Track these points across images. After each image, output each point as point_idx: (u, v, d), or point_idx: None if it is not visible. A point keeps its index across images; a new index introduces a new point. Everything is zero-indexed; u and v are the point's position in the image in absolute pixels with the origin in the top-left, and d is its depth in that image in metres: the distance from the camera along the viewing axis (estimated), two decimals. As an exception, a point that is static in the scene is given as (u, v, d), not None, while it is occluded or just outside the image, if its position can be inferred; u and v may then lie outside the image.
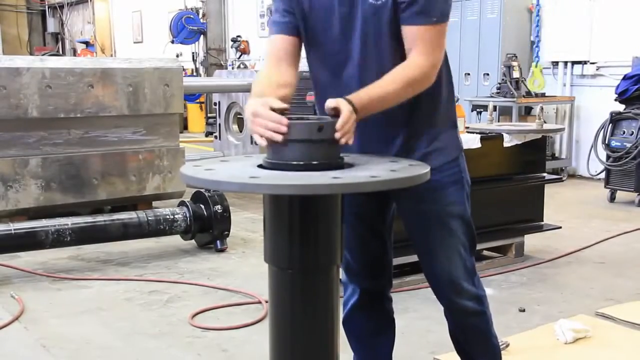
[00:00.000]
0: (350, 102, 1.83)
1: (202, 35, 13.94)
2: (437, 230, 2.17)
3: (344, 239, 2.19)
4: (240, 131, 7.65)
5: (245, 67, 12.74)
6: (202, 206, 4.97)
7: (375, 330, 2.44)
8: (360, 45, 2.03)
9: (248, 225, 5.85)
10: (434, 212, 2.15)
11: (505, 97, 7.97)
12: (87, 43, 18.31)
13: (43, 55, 9.65)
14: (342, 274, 2.34)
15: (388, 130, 2.11)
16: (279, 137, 1.73)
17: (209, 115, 12.99)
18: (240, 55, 13.41)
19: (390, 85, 1.94)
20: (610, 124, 6.88)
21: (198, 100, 13.57)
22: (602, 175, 7.09)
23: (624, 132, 6.77)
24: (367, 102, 1.88)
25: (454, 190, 2.16)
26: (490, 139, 4.46)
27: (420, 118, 2.10)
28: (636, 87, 6.70)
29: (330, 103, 1.83)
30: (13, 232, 4.39)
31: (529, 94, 8.05)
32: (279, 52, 2.10)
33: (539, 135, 4.71)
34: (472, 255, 2.25)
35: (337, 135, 1.76)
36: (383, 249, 2.33)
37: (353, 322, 2.42)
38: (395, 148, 2.11)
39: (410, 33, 1.97)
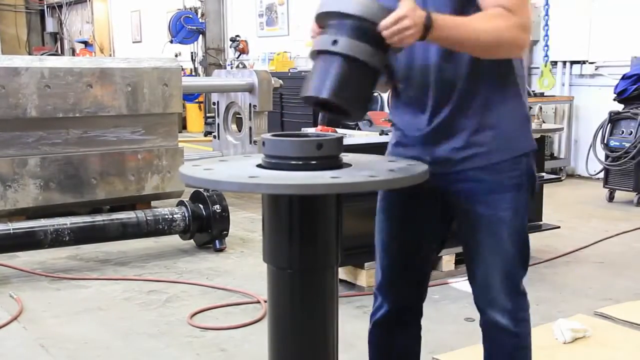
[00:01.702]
0: (427, 14, 1.71)
1: (200, 35, 13.94)
2: (484, 235, 2.00)
3: (382, 244, 2.13)
4: (239, 131, 7.64)
5: (244, 66, 12.73)
6: (201, 206, 4.97)
7: (398, 350, 2.24)
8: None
9: (247, 225, 5.85)
10: (484, 216, 1.98)
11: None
12: (85, 43, 18.29)
13: (42, 55, 9.63)
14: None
15: (456, 121, 1.95)
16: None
17: (207, 115, 12.98)
18: (239, 55, 13.40)
19: (477, 23, 1.77)
20: (609, 124, 6.88)
21: (197, 100, 13.56)
22: (601, 175, 7.10)
23: (622, 132, 6.77)
24: (450, 22, 1.74)
25: (511, 196, 1.98)
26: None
27: (488, 108, 1.94)
28: (635, 86, 6.70)
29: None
30: (12, 231, 4.39)
31: (527, 93, 8.03)
32: None
33: (538, 135, 4.71)
34: (522, 270, 2.09)
35: (383, 31, 1.68)
36: (427, 262, 2.18)
37: (376, 339, 2.24)
38: (459, 141, 1.96)
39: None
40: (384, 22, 1.69)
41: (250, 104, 7.17)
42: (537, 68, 8.74)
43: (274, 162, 1.79)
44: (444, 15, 1.76)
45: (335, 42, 1.73)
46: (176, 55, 12.89)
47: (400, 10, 1.68)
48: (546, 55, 8.14)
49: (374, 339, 2.25)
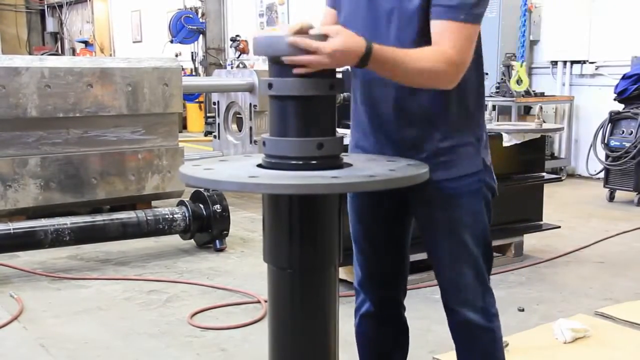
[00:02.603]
0: (367, 41, 1.73)
1: (201, 35, 13.94)
2: (447, 239, 2.07)
3: (358, 244, 2.20)
4: (240, 131, 7.64)
5: (245, 66, 12.73)
6: (201, 206, 4.97)
7: (385, 340, 2.34)
8: (385, 29, 1.95)
9: (247, 224, 5.85)
10: (446, 220, 2.06)
11: (504, 96, 7.97)
12: (86, 42, 18.29)
13: (42, 54, 9.64)
14: (354, 281, 2.31)
15: (408, 132, 2.02)
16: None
17: (208, 114, 12.99)
18: (240, 55, 13.40)
19: (413, 58, 1.81)
20: (610, 124, 6.88)
21: (197, 100, 13.57)
22: (601, 174, 7.10)
23: (623, 132, 6.77)
24: (388, 54, 1.77)
25: (471, 201, 2.07)
26: (489, 138, 4.44)
27: (446, 124, 2.01)
28: (635, 86, 6.70)
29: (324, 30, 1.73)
30: (12, 231, 4.39)
31: (528, 93, 8.04)
32: (331, 23, 2.11)
33: (538, 135, 4.71)
34: (488, 267, 2.15)
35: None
36: (399, 256, 2.25)
37: (362, 331, 2.34)
38: (412, 153, 2.01)
39: (440, 28, 1.86)
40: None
41: (250, 104, 7.17)
42: (538, 68, 8.76)
43: (274, 162, 1.79)
44: (384, 47, 1.78)
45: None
46: (176, 55, 12.89)
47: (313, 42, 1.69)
48: (522, 56, 8.06)
49: (360, 331, 2.35)
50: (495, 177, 2.20)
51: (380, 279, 2.26)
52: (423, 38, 1.89)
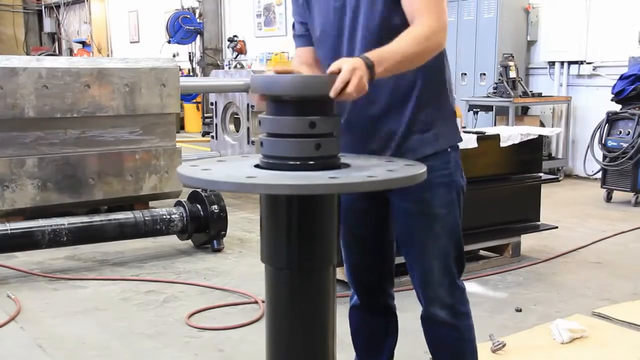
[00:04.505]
0: (363, 57, 1.81)
1: (198, 35, 13.93)
2: (420, 231, 2.13)
3: (342, 239, 2.22)
4: (237, 131, 7.64)
5: (242, 67, 12.74)
6: (199, 206, 4.96)
7: (375, 329, 2.42)
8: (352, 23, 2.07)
9: (245, 225, 5.85)
10: (419, 212, 2.11)
11: (501, 97, 7.98)
12: (83, 43, 18.29)
13: (39, 55, 9.63)
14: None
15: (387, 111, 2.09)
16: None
17: (205, 115, 12.98)
18: (237, 55, 13.41)
19: (402, 42, 1.90)
20: (607, 124, 6.88)
21: (195, 100, 13.55)
22: (599, 175, 7.10)
23: (620, 132, 6.78)
24: (386, 55, 1.86)
25: (442, 193, 2.11)
26: (487, 139, 4.46)
27: (423, 101, 2.08)
28: (632, 87, 6.71)
29: (331, 67, 1.80)
30: (9, 232, 4.38)
31: (525, 93, 8.05)
32: (308, 61, 2.24)
33: (536, 135, 4.71)
34: (458, 264, 2.18)
35: (332, 90, 1.73)
36: (382, 247, 2.30)
37: (352, 322, 2.44)
38: (394, 133, 2.10)
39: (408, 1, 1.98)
40: (334, 88, 1.74)
41: (248, 104, 7.18)
42: (536, 68, 8.76)
43: (272, 162, 1.79)
44: (375, 51, 1.86)
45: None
46: (174, 56, 12.91)
47: (343, 73, 1.75)
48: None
49: (351, 322, 2.46)
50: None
51: (365, 272, 2.34)
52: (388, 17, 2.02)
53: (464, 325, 2.20)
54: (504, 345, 3.19)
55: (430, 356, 2.37)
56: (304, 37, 2.26)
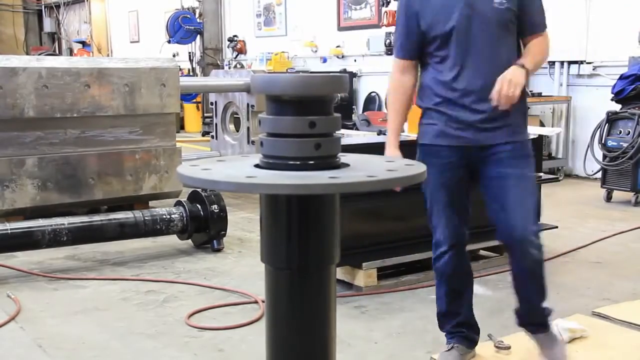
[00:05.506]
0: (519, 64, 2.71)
1: (198, 35, 13.94)
2: (517, 189, 2.75)
3: (439, 209, 2.90)
4: (237, 131, 7.64)
5: (242, 66, 12.74)
6: (199, 206, 4.96)
7: (461, 273, 2.99)
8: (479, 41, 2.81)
9: (245, 225, 5.85)
10: (516, 174, 2.76)
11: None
12: (83, 43, 18.29)
13: (39, 55, 9.64)
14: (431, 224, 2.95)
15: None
16: None
17: (205, 115, 12.98)
18: (237, 55, 13.41)
19: (539, 52, 2.84)
20: (607, 124, 6.88)
21: (195, 100, 13.55)
22: (599, 175, 7.10)
23: (620, 132, 6.78)
24: (533, 59, 2.79)
25: (530, 161, 2.85)
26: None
27: (518, 107, 2.91)
28: (632, 86, 6.71)
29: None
30: (9, 232, 4.38)
31: (525, 93, 8.03)
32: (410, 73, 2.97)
33: (536, 135, 4.71)
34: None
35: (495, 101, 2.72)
36: (467, 210, 2.94)
37: (443, 264, 2.94)
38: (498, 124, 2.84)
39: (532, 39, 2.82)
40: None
41: (248, 104, 7.17)
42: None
43: (272, 162, 1.79)
44: (525, 60, 2.76)
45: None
46: (174, 55, 12.91)
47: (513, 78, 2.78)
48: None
49: (441, 271, 2.99)
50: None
51: (454, 228, 2.91)
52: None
53: (543, 247, 2.84)
54: (508, 348, 3.20)
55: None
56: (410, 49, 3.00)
